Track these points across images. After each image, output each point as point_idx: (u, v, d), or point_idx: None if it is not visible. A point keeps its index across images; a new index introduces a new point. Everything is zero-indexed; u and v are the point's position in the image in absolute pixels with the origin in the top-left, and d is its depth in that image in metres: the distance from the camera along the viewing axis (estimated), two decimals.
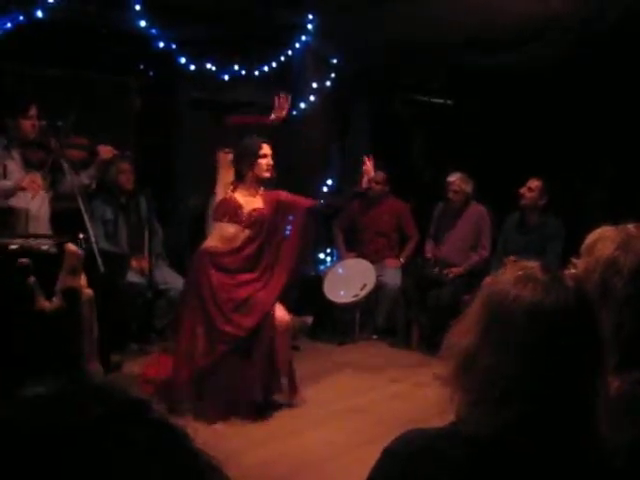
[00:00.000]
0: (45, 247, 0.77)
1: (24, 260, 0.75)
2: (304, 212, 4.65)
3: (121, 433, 0.51)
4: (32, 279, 0.76)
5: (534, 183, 5.71)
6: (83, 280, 0.80)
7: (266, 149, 4.51)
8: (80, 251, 0.80)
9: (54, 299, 0.76)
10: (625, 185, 6.46)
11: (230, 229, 4.50)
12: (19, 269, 0.76)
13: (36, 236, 0.80)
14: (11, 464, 0.48)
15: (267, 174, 4.53)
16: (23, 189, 4.43)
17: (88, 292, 0.77)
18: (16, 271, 0.76)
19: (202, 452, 0.54)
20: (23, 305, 0.75)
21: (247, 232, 4.51)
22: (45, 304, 0.76)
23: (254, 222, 4.51)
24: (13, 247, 0.79)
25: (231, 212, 4.49)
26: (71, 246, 0.76)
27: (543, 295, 1.20)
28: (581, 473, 1.19)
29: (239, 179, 4.56)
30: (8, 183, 4.46)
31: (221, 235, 4.53)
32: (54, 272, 0.76)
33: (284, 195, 4.67)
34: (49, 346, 0.73)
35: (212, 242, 4.54)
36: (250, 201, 4.55)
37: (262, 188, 4.61)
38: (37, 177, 4.53)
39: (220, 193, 4.58)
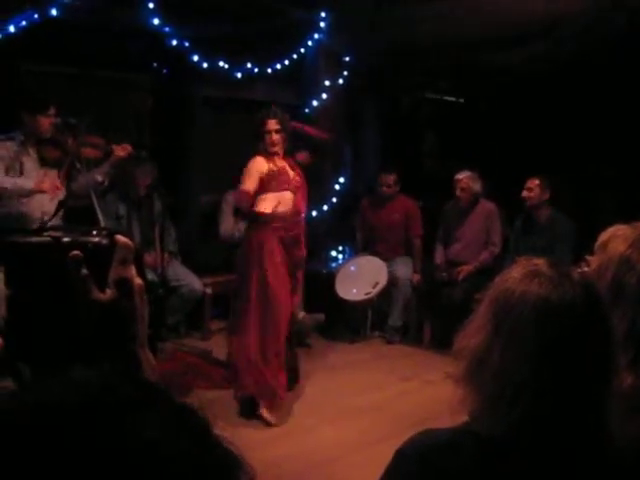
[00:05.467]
0: (97, 239, 0.79)
1: (76, 253, 0.77)
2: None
3: (145, 413, 0.52)
4: (85, 271, 0.78)
5: (533, 182, 5.71)
6: (133, 270, 0.82)
7: (270, 124, 4.58)
8: (130, 242, 0.83)
9: (108, 290, 0.78)
10: (635, 186, 6.41)
11: (285, 196, 4.61)
12: (72, 262, 0.78)
13: (86, 228, 0.82)
14: (35, 437, 0.50)
15: (273, 148, 4.60)
16: (43, 191, 4.44)
17: (138, 282, 0.79)
18: (69, 264, 0.78)
19: (222, 438, 0.56)
20: (78, 297, 0.77)
21: (293, 196, 4.66)
22: (100, 295, 0.78)
23: (296, 186, 4.69)
24: (66, 240, 0.82)
25: (283, 181, 4.60)
26: (121, 237, 0.79)
27: (550, 290, 1.19)
28: (594, 470, 1.19)
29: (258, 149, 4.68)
30: (28, 184, 4.45)
31: (277, 201, 4.60)
32: (106, 263, 0.79)
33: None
34: (105, 335, 0.76)
35: (273, 208, 4.59)
36: (288, 168, 4.70)
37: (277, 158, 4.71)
38: (56, 180, 4.54)
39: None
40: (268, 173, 4.55)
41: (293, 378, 4.83)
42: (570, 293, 1.19)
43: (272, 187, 4.56)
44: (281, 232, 4.55)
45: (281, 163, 4.65)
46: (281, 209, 4.54)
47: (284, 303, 4.48)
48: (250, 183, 4.51)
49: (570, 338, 1.18)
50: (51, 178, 4.63)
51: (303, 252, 4.80)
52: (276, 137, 4.58)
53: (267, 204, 4.55)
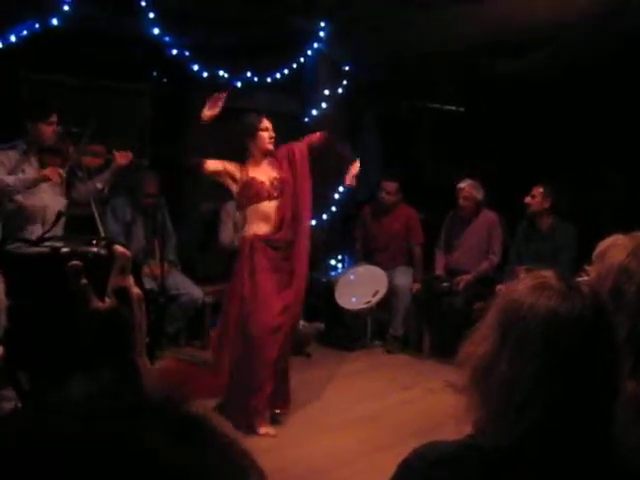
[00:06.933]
0: (95, 249, 0.80)
1: (76, 263, 0.78)
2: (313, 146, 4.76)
3: (146, 419, 0.53)
4: (84, 281, 0.79)
5: (537, 190, 5.76)
6: (131, 279, 0.83)
7: (266, 122, 4.60)
8: (128, 252, 0.84)
9: (107, 299, 0.79)
10: (635, 187, 6.42)
11: (263, 208, 4.54)
12: (71, 272, 0.79)
13: (85, 238, 0.82)
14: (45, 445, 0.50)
15: (269, 146, 4.60)
16: (45, 176, 4.47)
17: (137, 291, 0.79)
18: (68, 274, 0.79)
19: (232, 442, 0.55)
20: (77, 307, 0.78)
21: (274, 202, 4.57)
22: (99, 304, 0.79)
23: (277, 190, 4.58)
24: (65, 250, 0.83)
25: (256, 192, 4.54)
26: (119, 247, 0.79)
27: (559, 303, 1.19)
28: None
29: (245, 157, 4.62)
30: (29, 176, 4.51)
31: (259, 217, 4.55)
32: (105, 273, 0.79)
33: (292, 149, 4.72)
34: (104, 344, 0.76)
35: (256, 228, 4.54)
36: (264, 172, 4.60)
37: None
38: (59, 169, 4.58)
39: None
40: (243, 180, 4.55)
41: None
42: (579, 306, 1.19)
43: (250, 198, 4.54)
44: (269, 252, 4.49)
45: (254, 173, 4.57)
46: (261, 231, 4.50)
47: (261, 318, 4.35)
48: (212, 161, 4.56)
49: (579, 350, 1.18)
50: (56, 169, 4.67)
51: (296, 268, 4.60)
52: (273, 134, 4.61)
53: (251, 226, 4.55)
